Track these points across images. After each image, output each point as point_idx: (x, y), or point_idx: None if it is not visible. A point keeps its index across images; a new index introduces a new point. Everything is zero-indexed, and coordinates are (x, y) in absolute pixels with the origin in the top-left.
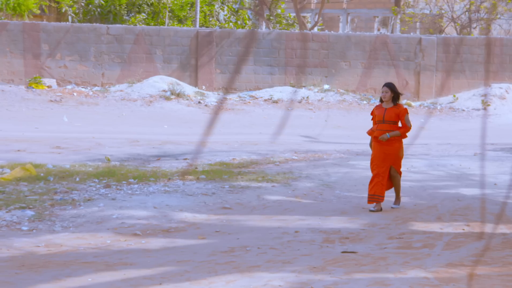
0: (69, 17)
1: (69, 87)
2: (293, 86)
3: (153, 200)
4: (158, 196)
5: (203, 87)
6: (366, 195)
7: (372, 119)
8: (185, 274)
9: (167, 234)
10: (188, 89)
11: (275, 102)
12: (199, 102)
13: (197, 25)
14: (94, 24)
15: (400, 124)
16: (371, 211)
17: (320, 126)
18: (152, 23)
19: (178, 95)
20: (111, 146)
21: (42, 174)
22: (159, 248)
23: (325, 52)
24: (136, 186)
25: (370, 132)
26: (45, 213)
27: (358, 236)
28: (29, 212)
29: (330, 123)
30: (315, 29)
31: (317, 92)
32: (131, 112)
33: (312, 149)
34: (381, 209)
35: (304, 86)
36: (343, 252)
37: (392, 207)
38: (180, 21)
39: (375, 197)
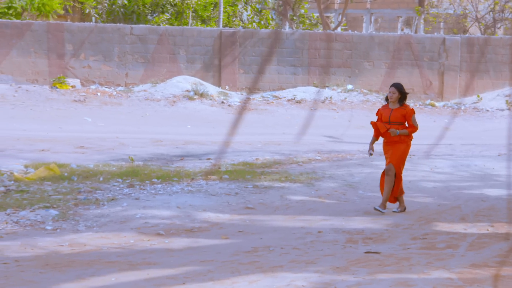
0: (93, 18)
1: (93, 87)
2: (316, 86)
3: (176, 200)
4: (181, 196)
5: (226, 87)
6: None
7: (377, 119)
8: (208, 274)
9: (190, 234)
10: (212, 89)
11: (298, 102)
12: (222, 102)
13: (221, 25)
14: (118, 24)
15: (407, 125)
16: (394, 211)
17: (344, 126)
18: (176, 23)
19: (202, 95)
20: (135, 146)
21: (66, 174)
22: (182, 247)
23: (348, 52)
24: (159, 186)
25: (376, 134)
26: (69, 212)
27: (382, 237)
28: (53, 212)
29: (354, 123)
30: (339, 29)
31: (341, 92)
32: (154, 112)
33: (335, 149)
34: (405, 209)
35: (327, 86)
36: (366, 252)
37: (375, 208)
38: (203, 21)
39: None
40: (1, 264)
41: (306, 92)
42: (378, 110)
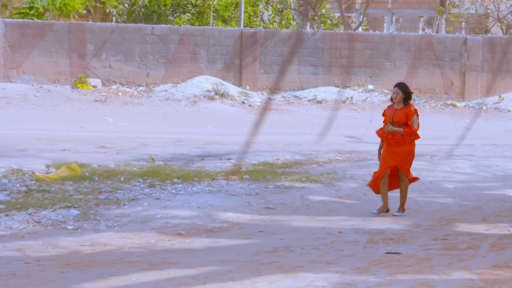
0: (114, 18)
1: (114, 87)
2: (337, 87)
3: (197, 200)
4: (202, 196)
5: (247, 87)
6: (411, 196)
7: (384, 121)
8: (229, 274)
9: (211, 234)
10: (232, 89)
11: (319, 102)
12: (243, 102)
13: (242, 25)
14: (139, 24)
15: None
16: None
17: (364, 127)
18: (197, 23)
19: (222, 95)
20: (156, 146)
21: (87, 174)
22: (203, 247)
23: (369, 52)
24: (180, 185)
25: (380, 134)
26: (90, 212)
27: (402, 237)
28: (74, 211)
29: (374, 123)
30: (360, 29)
31: (362, 92)
32: (175, 112)
33: (356, 150)
34: (387, 211)
35: (348, 86)
36: (387, 253)
37: (394, 215)
38: (224, 21)
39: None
40: (23, 263)
41: (327, 92)
42: (384, 110)
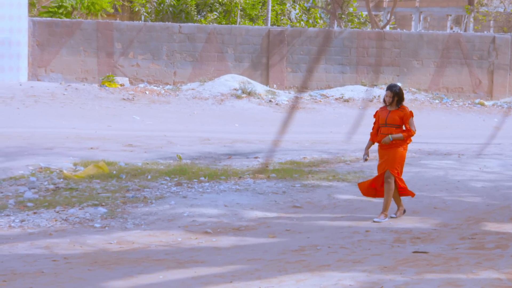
0: (142, 16)
1: (141, 85)
2: (364, 85)
3: (224, 198)
4: (228, 195)
5: (274, 85)
6: (438, 195)
7: (374, 122)
8: (256, 273)
9: (238, 233)
10: (259, 87)
11: (346, 101)
12: (270, 101)
13: (269, 24)
14: (167, 23)
15: (404, 128)
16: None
17: None
18: (224, 22)
19: (249, 93)
20: (183, 144)
21: (114, 172)
22: (229, 246)
23: (397, 51)
24: (207, 184)
25: (373, 136)
26: (117, 210)
27: (430, 236)
28: (102, 209)
29: None
30: (387, 27)
31: None
32: (202, 111)
33: None
34: (404, 211)
35: (375, 85)
36: (414, 252)
37: (374, 221)
38: (251, 20)
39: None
40: (51, 261)
41: (354, 91)
42: (376, 112)
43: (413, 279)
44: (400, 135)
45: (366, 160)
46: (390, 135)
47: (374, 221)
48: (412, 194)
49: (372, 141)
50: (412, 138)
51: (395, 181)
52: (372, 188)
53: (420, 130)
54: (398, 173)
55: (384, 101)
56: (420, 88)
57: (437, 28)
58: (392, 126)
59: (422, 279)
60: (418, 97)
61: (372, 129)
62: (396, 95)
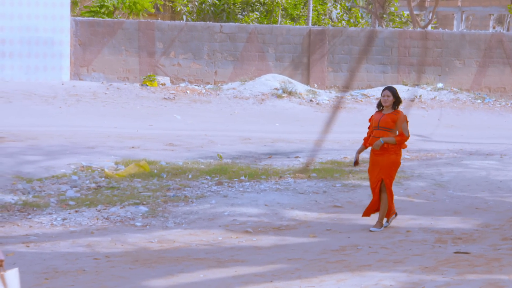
0: (183, 16)
1: (182, 85)
2: (405, 85)
3: (264, 197)
4: (269, 194)
5: (315, 85)
6: (480, 195)
7: (369, 126)
8: (296, 272)
9: (278, 232)
10: (300, 87)
11: None
12: (311, 100)
13: (310, 24)
14: (208, 22)
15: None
16: (371, 230)
17: (433, 125)
18: (265, 22)
19: (290, 93)
20: (223, 144)
21: (155, 171)
22: (270, 245)
23: (439, 50)
24: (247, 183)
25: (365, 141)
26: (158, 209)
27: (471, 237)
28: (143, 208)
29: (443, 122)
30: (429, 27)
31: (430, 90)
32: (243, 110)
33: (424, 148)
34: (395, 214)
35: (417, 85)
36: (455, 252)
37: (370, 230)
38: (293, 19)
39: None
40: (92, 259)
41: None
42: (371, 116)
43: (455, 279)
44: (392, 138)
45: (356, 164)
46: (381, 138)
47: (385, 226)
48: (389, 215)
49: (364, 146)
50: (406, 143)
51: (387, 191)
52: (374, 209)
53: (462, 130)
54: (391, 182)
55: (380, 104)
56: (462, 88)
57: (479, 28)
58: (385, 129)
59: (464, 280)
60: (460, 97)
61: (367, 134)
62: (394, 96)
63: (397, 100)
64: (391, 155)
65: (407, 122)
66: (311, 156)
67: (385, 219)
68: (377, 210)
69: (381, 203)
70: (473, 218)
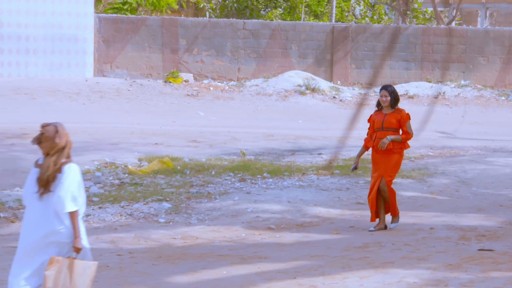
0: (207, 13)
1: (205, 81)
2: (429, 82)
3: (287, 194)
4: (292, 191)
5: (338, 82)
6: (504, 193)
7: (369, 127)
8: (319, 269)
9: (301, 229)
10: (323, 84)
11: (411, 97)
12: (334, 97)
13: (333, 20)
14: (231, 19)
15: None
16: (370, 231)
17: (457, 122)
18: (288, 18)
19: (313, 90)
20: (246, 140)
21: (178, 167)
22: (293, 242)
23: (462, 47)
24: (270, 180)
25: (366, 142)
26: (181, 205)
27: (495, 234)
28: (166, 205)
29: (467, 119)
30: (453, 24)
31: (454, 87)
32: (266, 107)
33: (448, 145)
34: (385, 227)
35: (440, 82)
36: (479, 250)
37: (390, 228)
38: (316, 16)
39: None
40: (116, 255)
41: (419, 88)
42: (370, 116)
43: (478, 277)
44: (398, 136)
45: (355, 169)
46: (388, 136)
47: (390, 228)
48: (395, 214)
49: (365, 148)
50: (409, 142)
51: (388, 190)
52: (374, 211)
53: (486, 127)
54: (391, 181)
55: (379, 103)
56: (486, 85)
57: (504, 24)
58: (389, 129)
59: (488, 277)
60: (484, 94)
61: (367, 134)
62: (391, 95)
63: (395, 99)
64: (394, 154)
65: (410, 120)
66: (334, 153)
67: (393, 224)
68: (377, 212)
69: (380, 200)
70: (497, 215)
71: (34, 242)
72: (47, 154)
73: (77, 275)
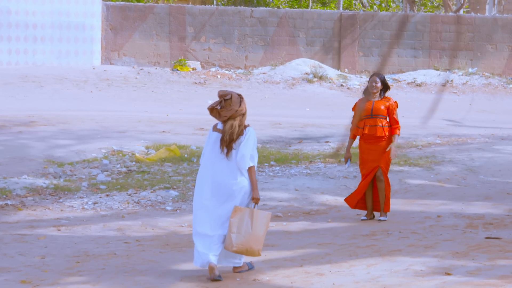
0: (214, 0)
1: (213, 69)
2: (437, 69)
3: (294, 182)
4: (299, 179)
5: (346, 70)
6: (511, 181)
7: (354, 115)
8: (326, 257)
9: (308, 217)
10: (331, 72)
11: (418, 85)
12: (341, 85)
13: (341, 8)
14: (238, 7)
15: (388, 119)
16: (363, 220)
17: (464, 110)
18: (296, 6)
19: (321, 78)
20: (254, 128)
21: (186, 155)
22: (300, 230)
23: (470, 35)
24: (277, 168)
25: (355, 132)
26: (188, 193)
27: (503, 222)
28: (173, 193)
29: (475, 107)
30: (461, 11)
31: (462, 75)
32: (273, 95)
33: (455, 133)
34: (373, 217)
35: (448, 69)
36: (486, 238)
37: (379, 219)
38: (324, 4)
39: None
40: (123, 243)
41: (427, 75)
42: (355, 104)
43: (485, 265)
44: (396, 138)
45: (349, 159)
46: (393, 143)
47: (379, 220)
48: (387, 209)
49: (353, 138)
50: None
51: (385, 179)
52: (362, 199)
53: (494, 115)
54: (388, 170)
55: (367, 90)
56: (493, 73)
57: None
58: (379, 116)
59: (495, 265)
60: (491, 82)
61: (351, 123)
62: (382, 83)
63: (385, 86)
64: (383, 142)
65: (397, 108)
66: (341, 141)
67: (384, 217)
68: (362, 201)
69: (379, 192)
70: (504, 203)
71: (218, 195)
72: (227, 119)
73: (257, 222)
